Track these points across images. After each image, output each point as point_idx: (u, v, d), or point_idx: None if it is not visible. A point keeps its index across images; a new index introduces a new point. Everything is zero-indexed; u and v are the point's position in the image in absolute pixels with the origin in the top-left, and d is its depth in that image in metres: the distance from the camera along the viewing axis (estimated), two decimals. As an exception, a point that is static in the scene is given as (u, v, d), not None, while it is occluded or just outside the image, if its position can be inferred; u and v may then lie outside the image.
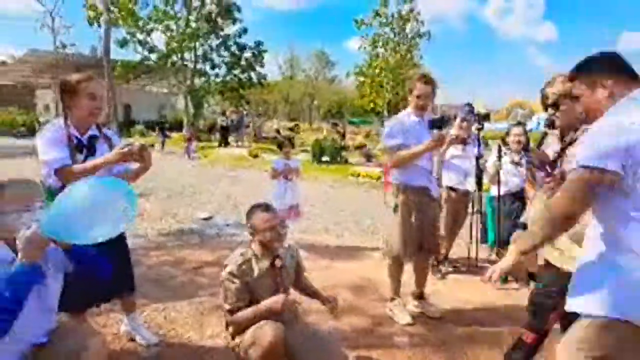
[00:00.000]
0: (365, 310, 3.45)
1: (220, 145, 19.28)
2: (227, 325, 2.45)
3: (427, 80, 3.24)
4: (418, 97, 3.23)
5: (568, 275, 2.19)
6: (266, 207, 2.44)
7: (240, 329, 2.36)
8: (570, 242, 2.23)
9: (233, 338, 2.42)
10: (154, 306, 3.34)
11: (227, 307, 2.36)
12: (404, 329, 3.17)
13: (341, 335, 3.01)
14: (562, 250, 2.26)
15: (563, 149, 2.35)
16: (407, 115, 3.34)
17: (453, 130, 4.11)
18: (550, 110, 2.37)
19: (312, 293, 2.67)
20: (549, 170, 2.37)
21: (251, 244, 2.45)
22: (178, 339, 2.91)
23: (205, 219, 6.44)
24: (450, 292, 3.91)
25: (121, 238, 2.61)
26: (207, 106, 28.07)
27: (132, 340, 2.78)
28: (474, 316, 3.41)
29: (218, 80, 26.07)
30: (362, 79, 25.08)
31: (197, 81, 25.58)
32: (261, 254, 2.42)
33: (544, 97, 2.39)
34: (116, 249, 2.49)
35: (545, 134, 2.50)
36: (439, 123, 3.17)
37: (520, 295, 3.89)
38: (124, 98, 25.89)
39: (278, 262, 2.44)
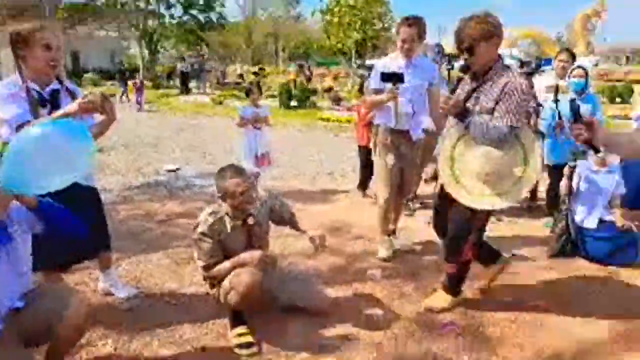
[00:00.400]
0: (340, 250, 3.58)
1: (181, 93, 18.56)
2: (205, 279, 2.51)
3: (411, 22, 3.11)
4: (403, 41, 3.14)
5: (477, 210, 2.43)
6: (236, 171, 2.39)
7: (217, 280, 2.43)
8: (480, 183, 2.37)
9: (212, 287, 2.49)
10: (130, 260, 3.34)
11: (201, 263, 2.41)
12: (377, 264, 3.33)
13: (318, 274, 3.12)
14: (469, 190, 2.40)
15: (474, 90, 2.36)
16: (394, 59, 3.29)
17: None
18: (465, 55, 2.29)
19: (297, 229, 2.70)
20: (463, 116, 2.33)
21: (222, 205, 2.44)
22: (157, 289, 2.95)
23: (171, 170, 6.32)
24: (419, 228, 4.08)
25: (94, 195, 2.57)
26: (163, 51, 26.62)
27: (111, 295, 2.79)
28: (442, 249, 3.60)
29: (174, 22, 24.58)
30: (328, 17, 24.16)
31: (151, 23, 24.04)
32: (233, 213, 2.42)
33: (460, 41, 2.27)
34: (90, 207, 2.46)
35: (460, 79, 2.40)
36: (390, 77, 3.14)
37: (526, 229, 4.15)
38: (70, 45, 24.01)
39: (251, 220, 2.46)
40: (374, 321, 2.60)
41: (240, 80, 22.12)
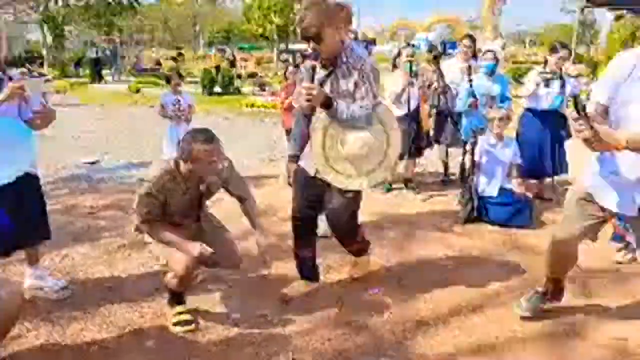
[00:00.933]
0: (270, 230, 3.71)
1: (93, 81, 17.34)
2: (136, 229, 2.49)
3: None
4: None
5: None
6: (209, 139, 2.24)
7: (149, 235, 2.42)
8: (349, 164, 2.39)
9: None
10: (57, 253, 3.25)
11: (139, 218, 2.35)
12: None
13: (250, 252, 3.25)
14: (338, 170, 2.40)
15: (327, 76, 2.35)
16: None
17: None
18: (312, 44, 2.25)
19: (249, 219, 2.64)
20: (326, 104, 2.28)
21: (180, 164, 2.31)
22: (89, 279, 2.93)
23: (90, 162, 6.04)
24: (365, 207, 4.26)
25: (37, 183, 2.54)
26: (70, 36, 24.54)
27: (40, 289, 2.71)
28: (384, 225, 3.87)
29: (80, 4, 22.70)
30: (248, 1, 23.73)
31: (53, 6, 22.02)
32: (187, 176, 2.33)
33: (304, 30, 2.23)
34: (33, 194, 2.47)
35: (314, 67, 2.31)
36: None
37: (443, 202, 4.51)
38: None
39: (203, 188, 2.41)
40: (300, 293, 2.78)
41: (157, 67, 21.13)
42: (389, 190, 4.81)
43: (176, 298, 2.49)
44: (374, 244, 3.44)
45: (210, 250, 2.38)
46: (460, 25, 23.08)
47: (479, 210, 3.99)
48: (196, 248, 2.31)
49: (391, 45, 22.31)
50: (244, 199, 2.62)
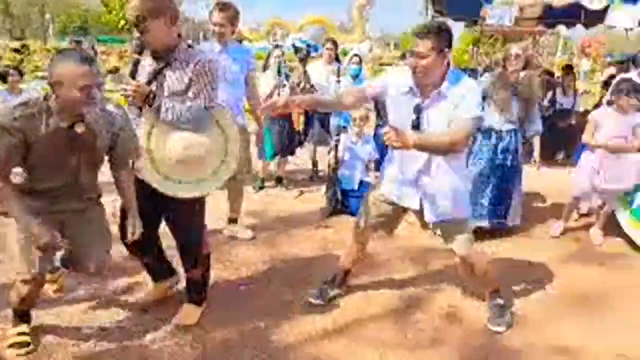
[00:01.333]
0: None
1: None
2: None
3: (222, 7, 3.19)
4: (214, 25, 3.21)
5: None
6: (82, 58, 1.86)
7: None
8: (180, 167, 2.18)
9: None
10: None
11: None
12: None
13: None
14: (167, 175, 2.18)
15: (159, 72, 2.17)
16: (210, 44, 3.34)
17: None
18: (138, 34, 2.11)
19: (123, 194, 2.22)
20: (149, 102, 2.11)
21: (48, 96, 1.91)
22: None
23: None
24: (249, 205, 4.24)
25: None
26: None
27: None
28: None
29: None
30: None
31: None
32: (58, 111, 1.90)
33: (129, 20, 2.09)
34: None
35: (137, 61, 2.18)
36: None
37: (312, 197, 4.68)
38: None
39: (79, 128, 1.94)
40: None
41: (-5, 60, 18.22)
42: (261, 188, 4.86)
43: (19, 315, 2.20)
44: (249, 242, 3.54)
45: (64, 242, 1.99)
46: (332, 28, 24.16)
47: (342, 203, 4.26)
48: (48, 235, 1.90)
49: (265, 43, 22.44)
50: (122, 168, 2.19)
